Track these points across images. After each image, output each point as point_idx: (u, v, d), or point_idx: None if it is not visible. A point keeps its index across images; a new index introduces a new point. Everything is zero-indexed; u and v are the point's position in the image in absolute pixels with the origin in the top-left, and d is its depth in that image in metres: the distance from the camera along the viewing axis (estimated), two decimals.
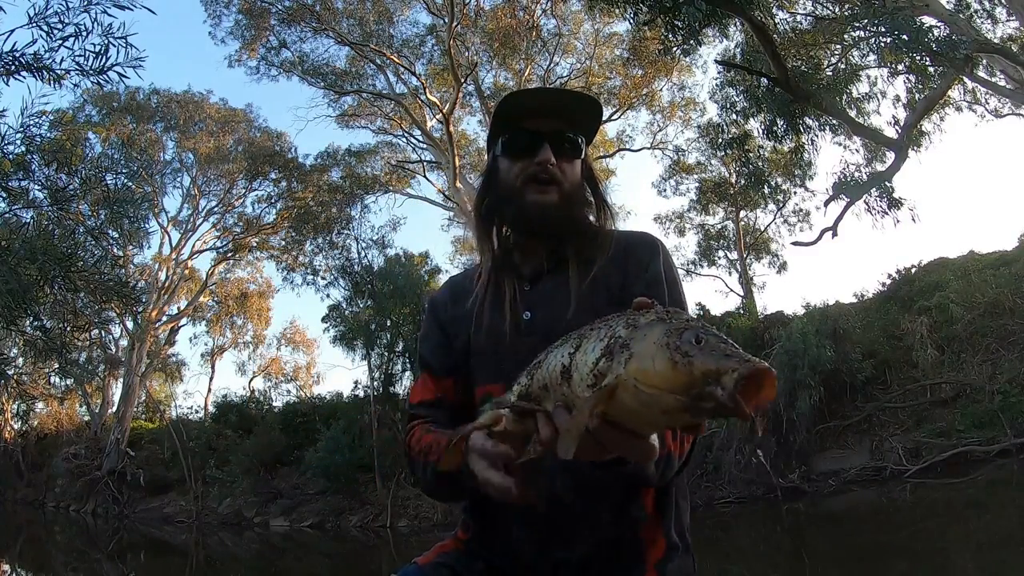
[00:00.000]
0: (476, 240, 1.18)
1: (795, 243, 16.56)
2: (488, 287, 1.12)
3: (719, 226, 18.94)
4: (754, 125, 12.44)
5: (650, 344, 0.59)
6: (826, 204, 11.38)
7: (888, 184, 10.28)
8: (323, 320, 16.40)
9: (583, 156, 1.14)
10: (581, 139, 1.13)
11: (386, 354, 14.93)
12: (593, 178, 1.17)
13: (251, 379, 24.15)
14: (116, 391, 19.87)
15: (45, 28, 3.49)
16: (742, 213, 18.37)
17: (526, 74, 17.29)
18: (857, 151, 12.10)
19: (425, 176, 19.20)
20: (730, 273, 18.72)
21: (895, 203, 10.29)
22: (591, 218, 1.16)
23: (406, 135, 18.53)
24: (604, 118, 18.05)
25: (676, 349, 0.57)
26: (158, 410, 21.98)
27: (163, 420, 20.03)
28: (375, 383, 14.82)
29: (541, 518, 1.01)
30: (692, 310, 1.02)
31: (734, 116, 12.76)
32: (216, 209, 20.04)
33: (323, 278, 17.35)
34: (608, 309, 0.98)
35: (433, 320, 1.21)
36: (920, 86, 10.35)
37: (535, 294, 1.08)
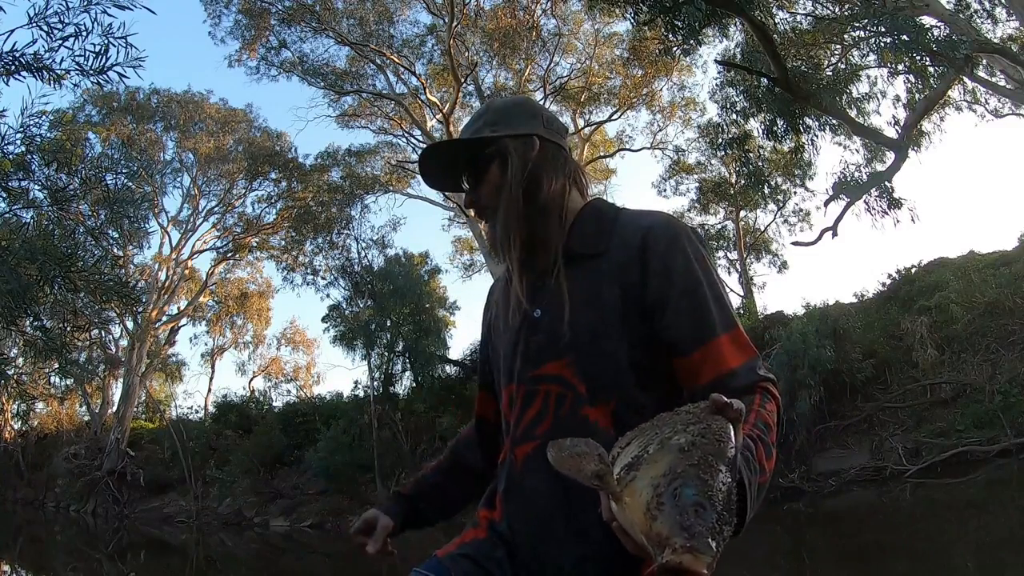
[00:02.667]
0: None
1: (795, 243, 16.60)
2: (504, 286, 1.14)
3: (719, 226, 18.94)
4: (754, 125, 12.45)
5: (648, 477, 0.59)
6: (826, 204, 11.40)
7: (888, 184, 10.29)
8: (323, 320, 16.46)
9: (502, 156, 1.07)
10: (488, 149, 1.08)
11: (386, 354, 14.95)
12: (527, 164, 1.07)
13: (251, 379, 24.22)
14: (116, 391, 19.90)
15: (45, 28, 3.49)
16: (742, 213, 18.37)
17: (526, 74, 17.30)
18: (857, 151, 12.11)
19: None
20: (730, 273, 18.72)
21: (895, 203, 10.30)
22: (586, 201, 1.11)
23: (406, 135, 18.52)
24: (605, 118, 18.12)
25: (658, 496, 0.57)
26: (158, 410, 21.99)
27: (163, 420, 20.04)
28: (375, 383, 14.83)
29: (534, 521, 1.01)
30: None
31: (734, 116, 12.76)
32: (216, 209, 20.08)
33: (323, 278, 17.41)
34: (624, 308, 0.99)
35: (482, 327, 1.25)
36: (920, 86, 10.35)
37: (546, 291, 1.05)
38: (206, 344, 24.15)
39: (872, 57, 10.57)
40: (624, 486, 0.61)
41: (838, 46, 11.27)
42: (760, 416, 0.87)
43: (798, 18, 11.09)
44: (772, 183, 15.65)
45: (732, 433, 0.64)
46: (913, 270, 12.91)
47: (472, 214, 1.16)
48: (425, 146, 1.17)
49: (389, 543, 1.19)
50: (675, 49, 9.83)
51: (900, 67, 10.33)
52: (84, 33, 3.49)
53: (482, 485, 1.21)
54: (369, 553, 1.16)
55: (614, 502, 0.63)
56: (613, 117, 18.23)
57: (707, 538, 0.54)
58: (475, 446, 1.26)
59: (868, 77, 11.61)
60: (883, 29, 7.78)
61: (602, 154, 19.18)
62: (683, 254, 0.99)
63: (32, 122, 3.92)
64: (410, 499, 1.25)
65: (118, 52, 3.51)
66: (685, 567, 0.53)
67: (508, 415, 1.08)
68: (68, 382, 18.35)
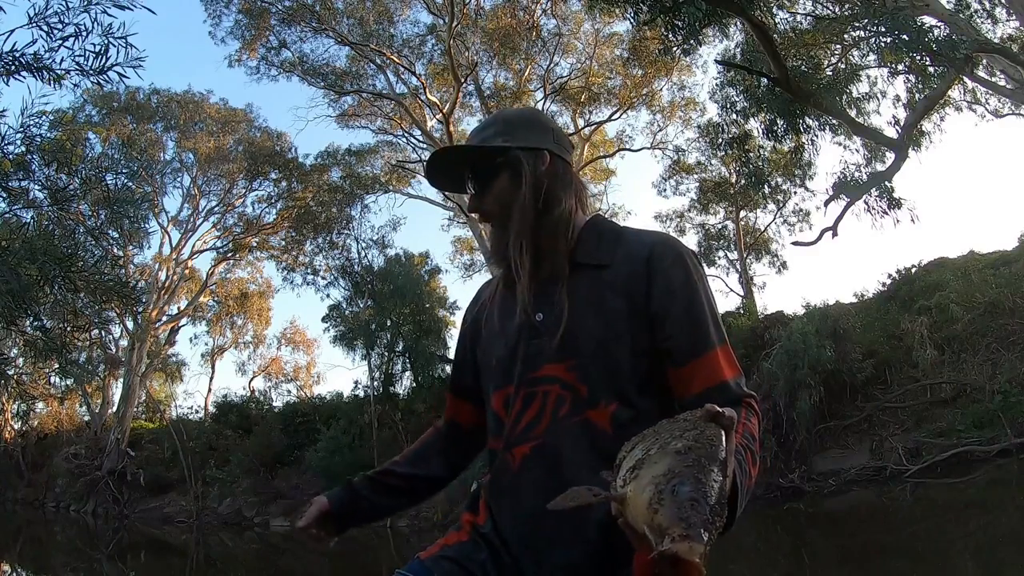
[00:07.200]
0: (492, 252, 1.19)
1: (795, 243, 16.58)
2: (502, 291, 1.15)
3: (719, 226, 18.96)
4: (754, 125, 12.44)
5: (649, 476, 0.67)
6: (826, 204, 11.39)
7: (888, 184, 10.28)
8: (323, 320, 16.48)
9: (512, 167, 1.10)
10: (499, 158, 1.10)
11: (386, 354, 14.95)
12: (538, 177, 1.10)
13: (251, 379, 24.17)
14: (116, 391, 19.89)
15: (45, 28, 3.49)
16: (742, 213, 18.37)
17: (526, 74, 17.30)
18: (857, 151, 12.08)
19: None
20: (729, 273, 18.75)
21: (895, 203, 10.29)
22: (598, 214, 1.16)
23: (406, 135, 18.53)
24: (605, 118, 18.11)
25: (659, 492, 0.64)
26: (158, 410, 21.99)
27: (163, 420, 20.04)
28: (375, 383, 14.83)
29: (527, 520, 1.03)
30: None
31: (734, 116, 12.76)
32: (216, 209, 20.06)
33: (323, 278, 17.42)
34: (627, 317, 1.03)
35: (461, 331, 1.26)
36: (920, 86, 10.34)
37: (549, 297, 1.07)
38: (206, 344, 24.12)
39: (872, 57, 10.57)
40: (628, 484, 0.69)
41: (838, 46, 11.27)
42: (746, 428, 0.95)
43: (798, 18, 11.10)
44: (772, 183, 15.64)
45: (724, 439, 0.71)
46: (913, 270, 12.93)
47: (476, 218, 1.20)
48: (435, 150, 1.23)
49: (321, 531, 1.19)
50: (675, 49, 9.81)
51: (900, 67, 10.33)
52: (84, 33, 3.49)
53: (429, 494, 1.26)
54: (299, 528, 1.19)
55: (618, 503, 0.70)
56: (613, 117, 18.24)
57: (700, 528, 0.60)
58: (438, 454, 1.26)
59: (868, 77, 11.62)
60: (883, 29, 7.78)
61: (602, 154, 19.17)
62: (685, 271, 1.05)
63: (32, 122, 3.92)
64: (355, 490, 1.23)
65: (118, 52, 3.52)
66: (681, 556, 0.58)
67: (503, 417, 1.09)
68: (68, 382, 18.36)
